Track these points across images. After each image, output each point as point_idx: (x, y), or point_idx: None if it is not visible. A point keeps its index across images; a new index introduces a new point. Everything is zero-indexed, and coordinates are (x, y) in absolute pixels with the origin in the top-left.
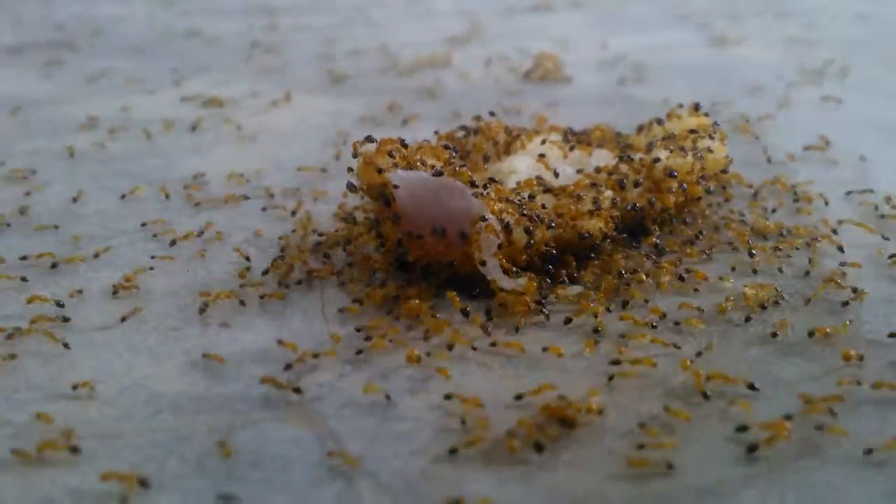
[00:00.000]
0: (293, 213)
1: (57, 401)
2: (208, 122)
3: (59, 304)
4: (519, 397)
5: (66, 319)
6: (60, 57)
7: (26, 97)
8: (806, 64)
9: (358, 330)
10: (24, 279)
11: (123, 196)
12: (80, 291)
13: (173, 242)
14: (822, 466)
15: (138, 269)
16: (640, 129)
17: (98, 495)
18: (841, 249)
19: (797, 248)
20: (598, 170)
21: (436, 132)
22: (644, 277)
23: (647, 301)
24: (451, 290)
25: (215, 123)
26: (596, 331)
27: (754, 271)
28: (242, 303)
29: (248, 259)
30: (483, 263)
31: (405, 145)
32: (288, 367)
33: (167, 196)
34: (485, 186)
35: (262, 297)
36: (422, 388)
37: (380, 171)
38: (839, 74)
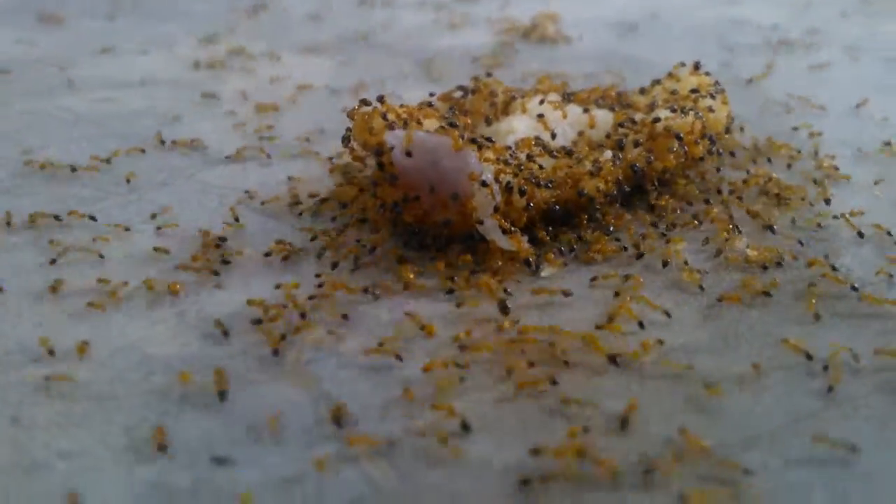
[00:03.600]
0: (289, 178)
1: (50, 363)
2: (206, 81)
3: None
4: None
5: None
6: (51, 16)
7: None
8: (808, 23)
9: (364, 290)
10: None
11: (109, 159)
12: (66, 251)
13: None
14: None
15: (129, 230)
16: (642, 90)
17: (94, 457)
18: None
19: (797, 208)
20: (596, 133)
21: (431, 94)
22: (641, 240)
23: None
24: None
25: (214, 81)
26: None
27: (771, 228)
28: (227, 261)
29: (237, 220)
30: (481, 222)
31: (401, 106)
32: (282, 338)
33: (161, 142)
34: (479, 147)
35: (264, 254)
36: (418, 349)
37: (376, 131)
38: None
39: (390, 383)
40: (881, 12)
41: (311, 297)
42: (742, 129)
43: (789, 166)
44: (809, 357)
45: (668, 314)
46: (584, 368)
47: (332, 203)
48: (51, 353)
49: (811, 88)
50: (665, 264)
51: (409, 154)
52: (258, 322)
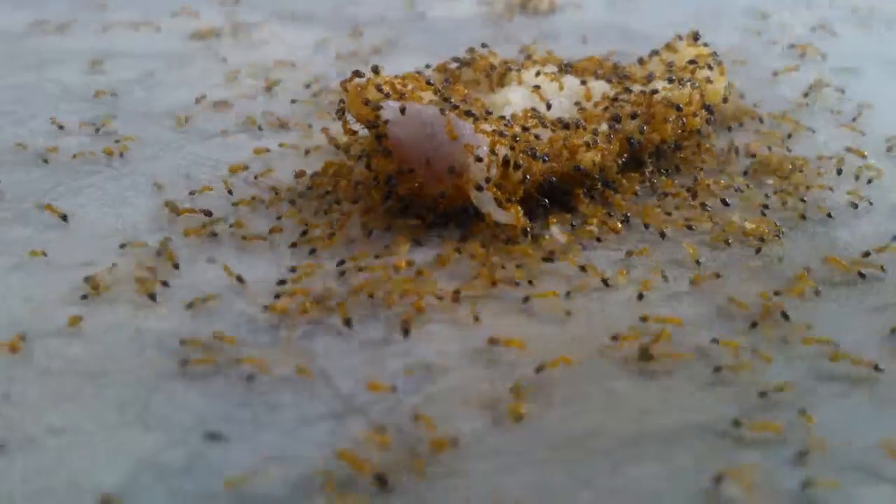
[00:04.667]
0: (280, 145)
1: (41, 337)
2: (193, 54)
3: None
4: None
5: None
6: None
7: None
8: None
9: (353, 264)
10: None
11: (98, 129)
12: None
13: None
14: None
15: (123, 205)
16: (642, 60)
17: (85, 433)
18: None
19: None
20: (594, 106)
21: (427, 65)
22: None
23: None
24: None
25: (201, 55)
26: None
27: (765, 207)
28: (215, 234)
29: (231, 192)
30: (479, 188)
31: (396, 77)
32: (277, 297)
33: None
34: (475, 118)
35: (263, 230)
36: (415, 327)
37: (370, 104)
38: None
39: (386, 357)
40: None
41: (299, 273)
42: (742, 97)
43: (789, 136)
44: None
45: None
46: None
47: (324, 178)
48: (42, 328)
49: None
50: (663, 236)
51: (403, 126)
52: (254, 296)
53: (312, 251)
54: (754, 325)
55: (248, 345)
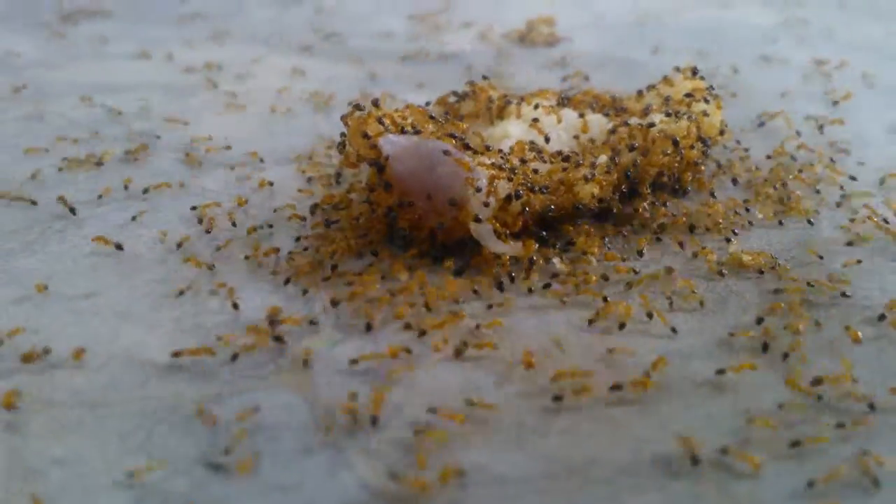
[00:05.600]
0: (271, 184)
1: (44, 369)
2: (196, 87)
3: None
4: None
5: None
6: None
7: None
8: (804, 28)
9: (350, 294)
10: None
11: (100, 163)
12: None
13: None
14: None
15: (126, 235)
16: (640, 92)
17: (88, 464)
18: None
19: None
20: (592, 140)
21: (428, 103)
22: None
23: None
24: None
25: (203, 87)
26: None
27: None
28: (211, 267)
29: (234, 225)
30: (478, 220)
31: (396, 111)
32: (277, 336)
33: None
34: (474, 152)
35: (249, 258)
36: (414, 356)
37: (370, 137)
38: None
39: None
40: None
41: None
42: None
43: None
44: None
45: (674, 330)
46: None
47: (326, 209)
48: (46, 356)
49: (815, 95)
50: (669, 272)
51: (404, 159)
52: (253, 327)
53: (305, 292)
54: (753, 354)
55: (250, 375)
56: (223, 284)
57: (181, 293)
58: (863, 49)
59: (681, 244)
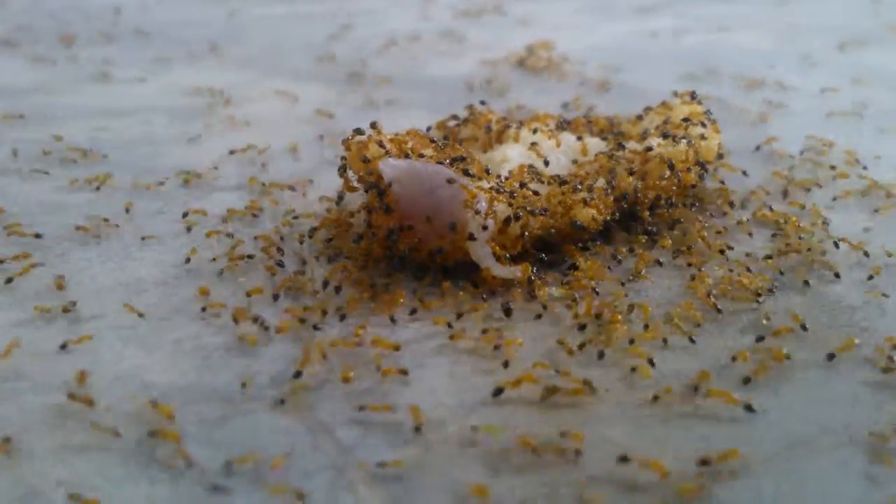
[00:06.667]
0: (272, 205)
1: (49, 392)
2: (198, 111)
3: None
4: (499, 392)
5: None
6: (47, 47)
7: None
8: (802, 52)
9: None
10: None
11: (98, 188)
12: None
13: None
14: None
15: (127, 259)
16: (639, 117)
17: (90, 487)
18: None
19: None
20: (590, 163)
21: (429, 128)
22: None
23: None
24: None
25: (205, 112)
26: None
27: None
28: (205, 291)
29: (234, 249)
30: (472, 238)
31: (396, 134)
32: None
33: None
34: (470, 175)
35: (265, 285)
36: (413, 377)
37: (369, 161)
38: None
39: (386, 415)
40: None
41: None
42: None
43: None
44: None
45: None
46: None
47: (326, 231)
48: (49, 381)
49: (808, 120)
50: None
51: (404, 182)
52: (253, 351)
53: (303, 321)
54: (747, 380)
55: (251, 397)
56: (224, 305)
57: (172, 318)
58: (863, 81)
59: (687, 263)
